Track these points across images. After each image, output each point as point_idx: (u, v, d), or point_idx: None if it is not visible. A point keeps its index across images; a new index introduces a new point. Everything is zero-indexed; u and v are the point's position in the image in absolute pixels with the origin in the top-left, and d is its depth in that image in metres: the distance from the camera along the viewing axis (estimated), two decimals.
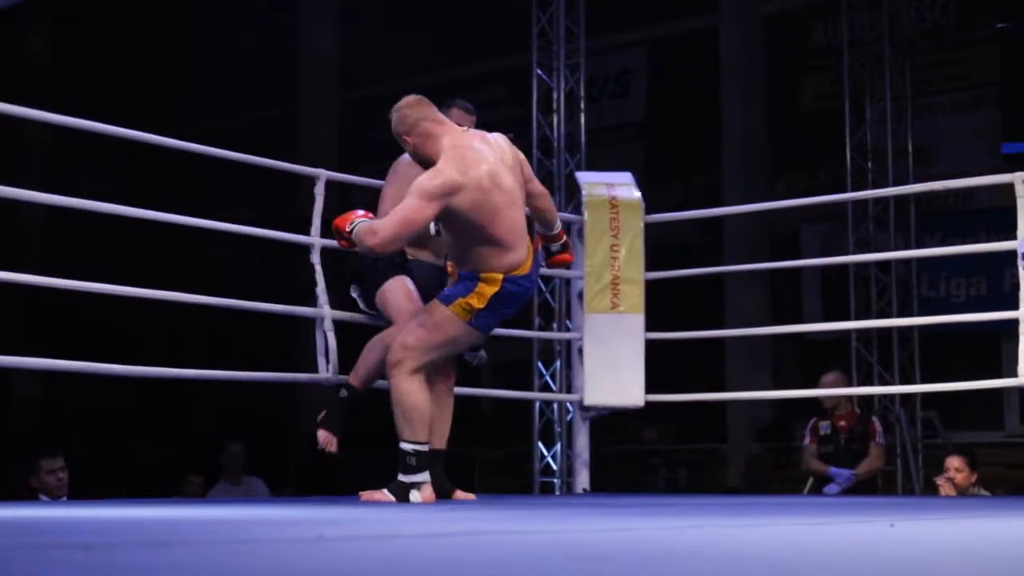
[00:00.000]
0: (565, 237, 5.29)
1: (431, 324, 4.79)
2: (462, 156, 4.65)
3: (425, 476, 4.75)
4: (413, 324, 4.86)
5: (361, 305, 5.49)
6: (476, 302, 4.73)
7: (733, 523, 3.37)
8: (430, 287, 5.18)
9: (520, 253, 4.77)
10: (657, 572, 1.94)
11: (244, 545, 2.40)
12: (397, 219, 4.61)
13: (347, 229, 4.75)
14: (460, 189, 4.59)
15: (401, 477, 4.76)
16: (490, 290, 4.73)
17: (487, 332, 4.92)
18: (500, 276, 4.73)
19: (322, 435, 5.36)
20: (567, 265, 5.62)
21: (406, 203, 4.60)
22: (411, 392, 4.74)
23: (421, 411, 4.75)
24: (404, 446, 4.76)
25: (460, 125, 4.91)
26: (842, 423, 8.18)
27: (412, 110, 4.78)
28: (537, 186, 5.09)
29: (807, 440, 8.31)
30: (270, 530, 2.96)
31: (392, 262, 5.26)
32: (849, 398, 8.31)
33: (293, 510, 4.33)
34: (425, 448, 4.77)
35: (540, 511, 4.11)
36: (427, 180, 4.60)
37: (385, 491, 4.75)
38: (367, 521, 3.48)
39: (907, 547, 2.42)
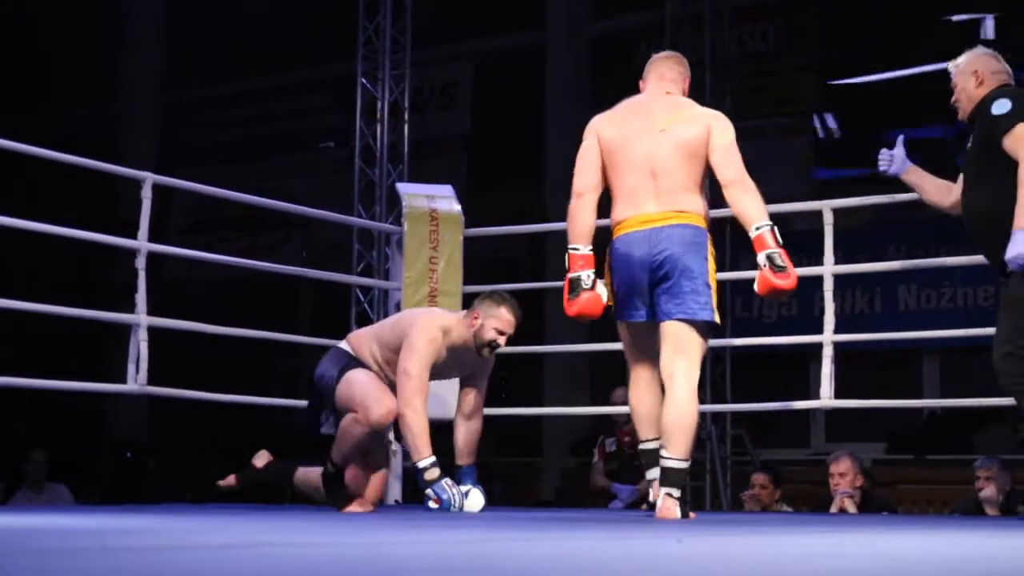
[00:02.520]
0: (771, 249, 4.73)
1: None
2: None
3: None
4: None
5: (333, 430, 5.36)
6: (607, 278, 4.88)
7: (506, 537, 3.38)
8: None
9: (624, 213, 4.82)
10: None
11: (19, 557, 2.32)
12: None
13: None
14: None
15: (672, 491, 4.63)
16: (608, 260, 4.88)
17: (618, 301, 4.85)
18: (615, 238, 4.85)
19: (233, 479, 5.66)
20: (776, 294, 4.87)
21: None
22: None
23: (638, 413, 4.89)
24: (678, 464, 4.63)
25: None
26: (627, 439, 8.26)
27: None
28: (724, 173, 4.86)
29: (596, 458, 8.41)
30: (53, 540, 2.88)
31: (338, 362, 5.30)
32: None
33: (88, 519, 4.21)
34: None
35: (342, 524, 4.07)
36: None
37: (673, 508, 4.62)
38: (160, 531, 3.41)
39: (676, 562, 2.45)
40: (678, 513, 4.56)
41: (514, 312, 5.32)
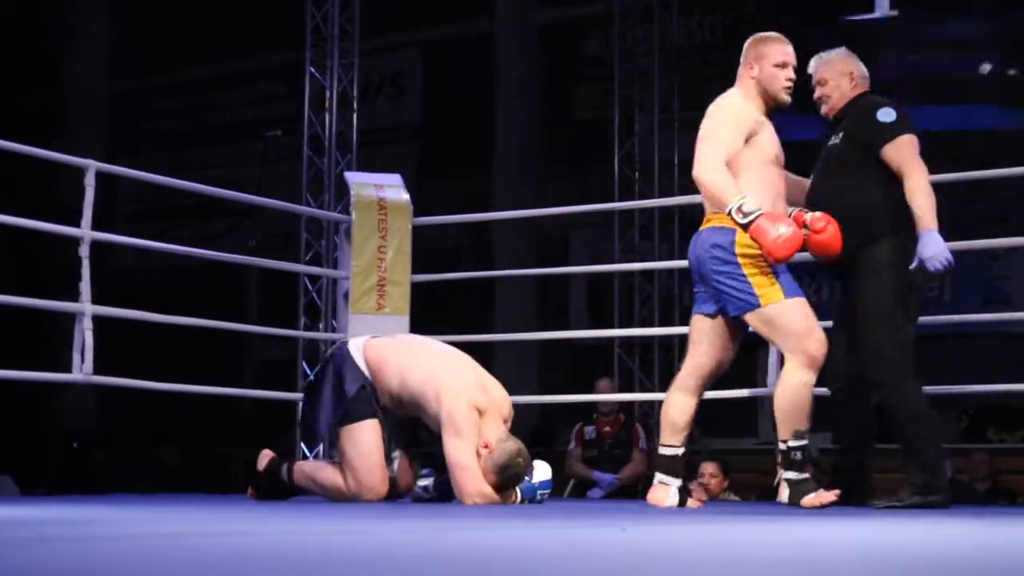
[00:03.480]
0: (807, 217, 4.79)
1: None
2: None
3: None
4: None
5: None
6: None
7: (463, 526, 3.38)
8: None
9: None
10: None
11: None
12: None
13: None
14: None
15: (793, 475, 4.68)
16: None
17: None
18: None
19: (251, 491, 5.26)
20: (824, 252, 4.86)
21: None
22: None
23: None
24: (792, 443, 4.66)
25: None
26: (607, 429, 8.33)
27: None
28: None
29: (572, 444, 8.42)
30: None
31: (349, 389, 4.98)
32: (615, 405, 8.48)
33: (32, 509, 4.18)
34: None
35: (281, 513, 4.06)
36: None
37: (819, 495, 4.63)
38: (102, 521, 3.39)
39: (617, 551, 2.47)
40: (816, 500, 4.61)
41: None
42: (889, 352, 4.86)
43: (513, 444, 4.82)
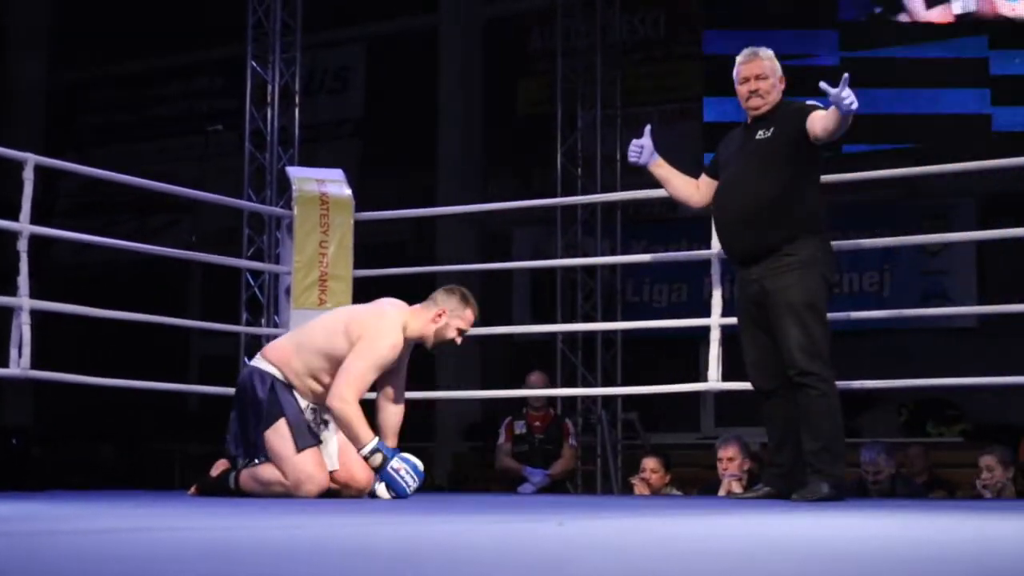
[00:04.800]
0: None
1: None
2: None
3: None
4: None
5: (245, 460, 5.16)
6: None
7: (398, 520, 3.39)
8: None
9: None
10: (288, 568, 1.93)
11: None
12: None
13: None
14: None
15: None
16: None
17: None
18: None
19: (193, 489, 5.28)
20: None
21: None
22: None
23: None
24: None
25: None
26: (537, 423, 8.33)
27: None
28: None
29: (502, 439, 8.44)
30: None
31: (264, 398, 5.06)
32: (548, 399, 8.49)
33: None
34: None
35: (221, 509, 4.05)
36: None
37: None
38: (39, 517, 3.37)
39: (552, 544, 2.48)
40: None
41: (476, 312, 5.23)
42: (822, 345, 4.95)
43: None
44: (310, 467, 4.98)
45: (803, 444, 4.97)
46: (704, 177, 5.37)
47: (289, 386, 5.08)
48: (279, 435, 5.01)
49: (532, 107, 12.69)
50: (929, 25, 10.57)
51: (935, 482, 8.00)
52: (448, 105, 13.03)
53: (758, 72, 5.17)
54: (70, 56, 15.09)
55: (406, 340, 5.12)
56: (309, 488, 4.95)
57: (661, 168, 5.45)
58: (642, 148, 5.41)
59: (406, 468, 4.94)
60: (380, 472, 4.92)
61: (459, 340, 5.17)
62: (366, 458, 4.92)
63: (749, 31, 9.55)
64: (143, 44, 14.44)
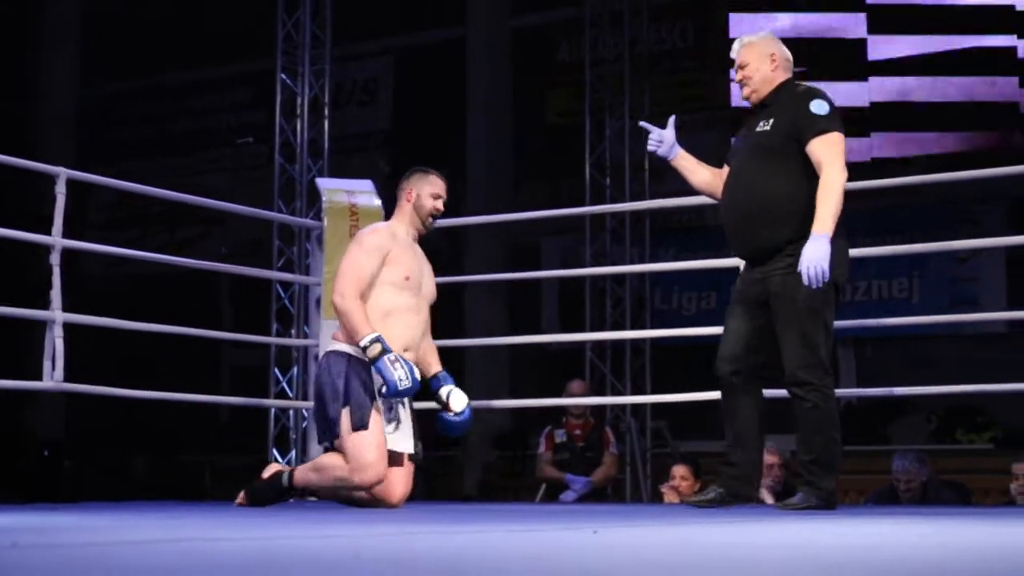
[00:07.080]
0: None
1: None
2: None
3: None
4: None
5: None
6: None
7: (434, 530, 3.40)
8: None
9: None
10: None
11: None
12: None
13: None
14: None
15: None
16: None
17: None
18: None
19: (241, 496, 5.25)
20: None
21: None
22: None
23: None
24: None
25: None
26: (578, 432, 8.35)
27: None
28: None
29: (542, 448, 8.43)
30: None
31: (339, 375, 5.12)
32: (586, 407, 8.50)
33: (3, 518, 4.18)
34: None
35: (255, 519, 4.07)
36: None
37: None
38: (76, 529, 3.40)
39: (592, 553, 2.49)
40: None
41: (441, 176, 5.49)
42: (823, 352, 4.78)
43: None
44: (372, 454, 5.00)
45: (797, 452, 4.93)
46: (726, 167, 5.22)
47: (365, 364, 5.11)
48: (348, 415, 5.06)
49: (560, 117, 12.72)
50: None
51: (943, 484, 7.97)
52: (476, 116, 13.06)
53: (739, 62, 5.04)
54: (101, 70, 15.17)
55: (404, 240, 5.35)
56: (369, 478, 5.00)
57: (682, 160, 5.28)
58: (662, 140, 5.25)
59: (401, 364, 5.00)
60: (376, 362, 4.98)
61: (440, 205, 5.42)
62: (365, 348, 5.00)
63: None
64: (173, 57, 14.52)
